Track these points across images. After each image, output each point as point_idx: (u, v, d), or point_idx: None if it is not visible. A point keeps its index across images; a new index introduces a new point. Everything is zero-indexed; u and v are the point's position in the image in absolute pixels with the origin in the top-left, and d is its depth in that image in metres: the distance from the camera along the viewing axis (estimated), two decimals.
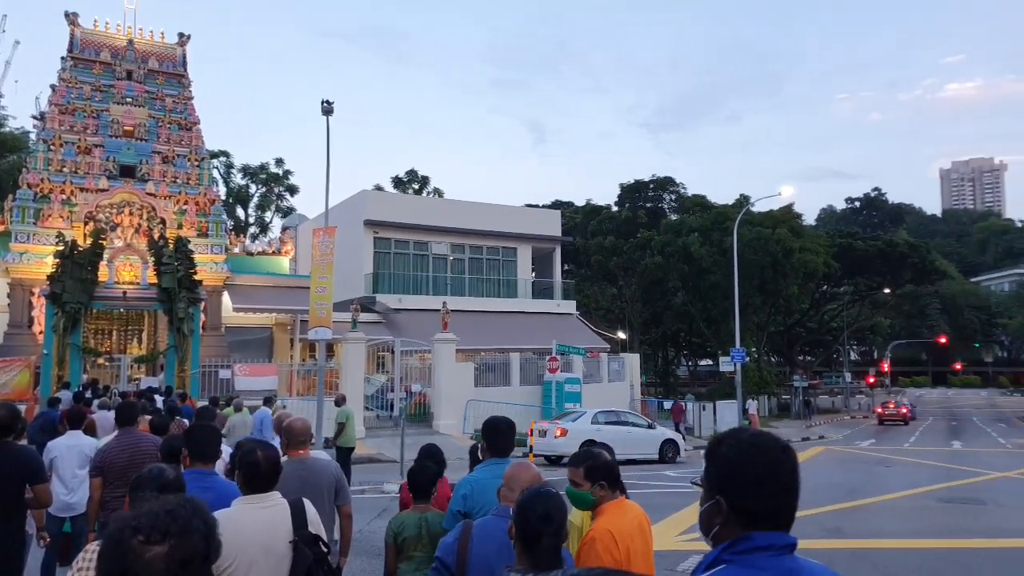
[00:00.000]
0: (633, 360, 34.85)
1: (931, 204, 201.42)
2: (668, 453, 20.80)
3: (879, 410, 48.66)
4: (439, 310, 24.74)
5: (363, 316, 25.65)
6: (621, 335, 47.72)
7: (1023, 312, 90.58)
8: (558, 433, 19.39)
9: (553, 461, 18.88)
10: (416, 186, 51.31)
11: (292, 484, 4.03)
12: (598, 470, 3.26)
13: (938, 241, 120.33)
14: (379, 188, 46.92)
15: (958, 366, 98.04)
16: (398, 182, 51.34)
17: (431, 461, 4.63)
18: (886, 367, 77.23)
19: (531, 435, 19.79)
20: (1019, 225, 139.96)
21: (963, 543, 9.85)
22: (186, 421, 8.95)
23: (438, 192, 51.61)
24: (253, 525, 3.14)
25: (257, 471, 3.26)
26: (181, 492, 3.06)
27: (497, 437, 4.07)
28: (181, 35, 26.82)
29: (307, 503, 3.44)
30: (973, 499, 13.72)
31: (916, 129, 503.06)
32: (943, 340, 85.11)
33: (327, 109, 22.21)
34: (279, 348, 27.76)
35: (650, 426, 21.86)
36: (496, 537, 2.93)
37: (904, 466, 20.34)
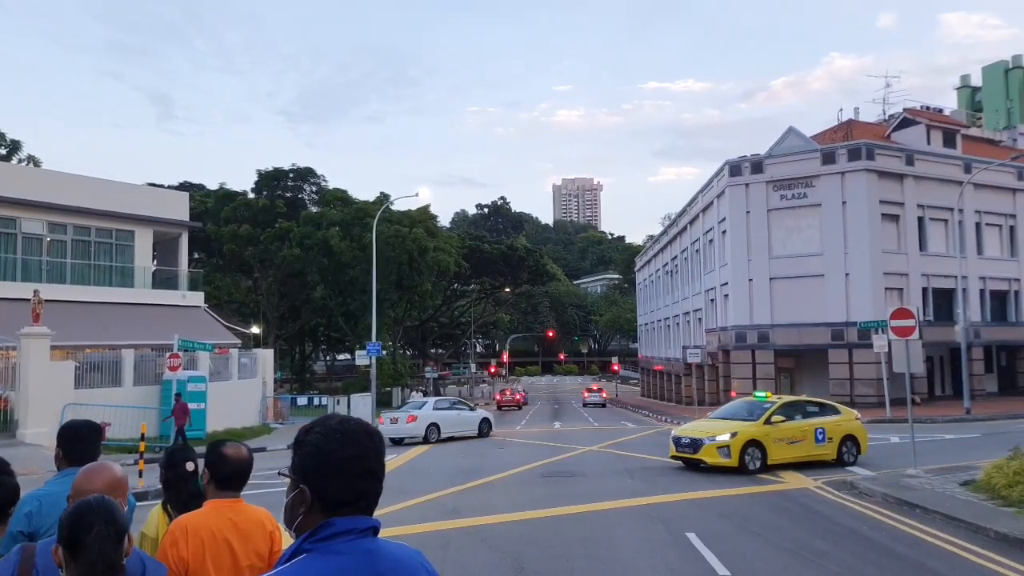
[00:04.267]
0: (267, 356, 34.00)
1: (545, 214, 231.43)
2: (484, 429, 26.89)
3: (498, 397, 54.90)
4: (29, 299, 21.29)
5: None
6: (255, 330, 46.04)
7: (610, 310, 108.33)
8: (408, 419, 24.75)
9: (398, 442, 24.28)
10: (3, 151, 43.02)
11: None
12: (214, 460, 3.15)
13: (550, 247, 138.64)
14: None
15: (562, 356, 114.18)
16: None
17: (4, 475, 3.94)
18: (505, 358, 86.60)
19: (380, 423, 24.91)
20: (610, 237, 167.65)
21: (557, 511, 11.47)
22: None
23: (33, 161, 43.91)
24: None
25: None
26: None
27: (77, 443, 3.60)
28: None
29: None
30: (567, 472, 16.09)
31: (534, 146, 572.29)
32: (551, 334, 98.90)
33: None
34: None
35: (472, 409, 28.31)
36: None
37: (516, 447, 22.98)
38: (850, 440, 16.39)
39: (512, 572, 8.14)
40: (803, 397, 20.81)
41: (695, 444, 15.63)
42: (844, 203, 36.45)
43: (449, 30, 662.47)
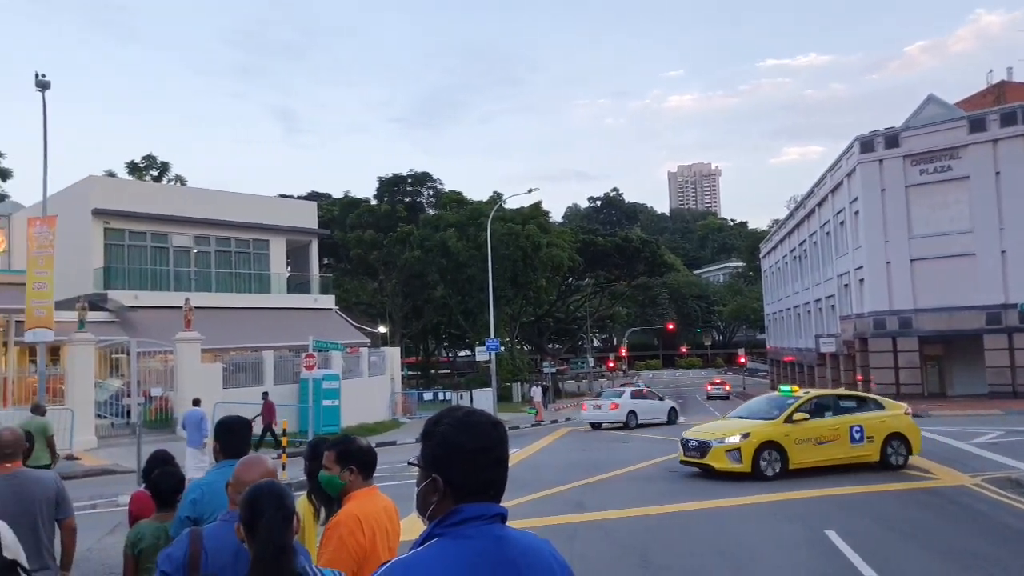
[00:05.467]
0: (394, 354, 35.32)
1: (661, 203, 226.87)
2: (672, 417, 29.42)
3: None
4: (181, 307, 23.19)
5: (92, 315, 23.25)
6: (382, 329, 47.96)
7: (734, 300, 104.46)
8: (611, 407, 27.79)
9: (596, 427, 28.09)
10: (155, 173, 47.01)
11: (4, 501, 3.81)
12: (350, 455, 3.26)
13: (667, 237, 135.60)
14: (111, 174, 42.39)
15: (684, 349, 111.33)
16: (133, 168, 46.66)
17: (171, 467, 4.42)
18: (624, 352, 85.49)
19: (584, 409, 29.07)
20: (731, 224, 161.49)
21: (684, 506, 11.24)
22: None
23: (180, 180, 47.74)
24: None
25: None
26: None
27: (231, 437, 3.98)
28: None
29: (2, 525, 3.21)
30: (693, 468, 15.37)
31: (646, 135, 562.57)
32: (671, 327, 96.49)
33: (42, 83, 19.90)
34: None
35: (661, 399, 30.78)
36: (229, 544, 2.71)
37: (639, 441, 22.67)
38: (897, 439, 14.33)
39: (639, 567, 8.03)
40: (837, 391, 18.59)
41: (703, 447, 13.99)
42: (998, 174, 33.45)
43: (551, 25, 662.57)
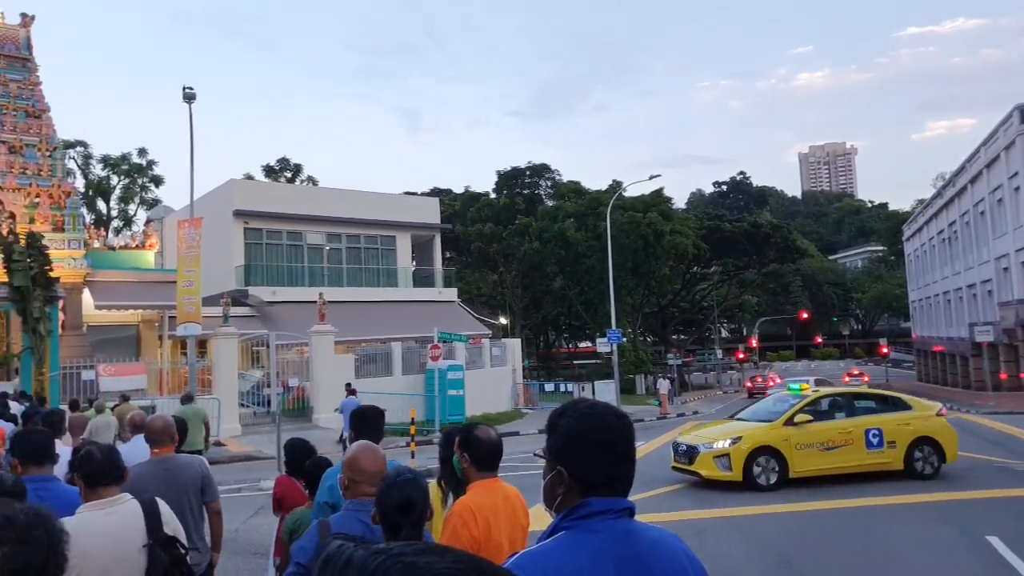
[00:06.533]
0: (515, 345, 35.62)
1: (791, 186, 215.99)
2: None
3: (748, 384, 52.35)
4: (315, 301, 24.40)
5: (235, 310, 24.93)
6: (503, 320, 48.59)
7: (874, 287, 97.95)
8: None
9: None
10: (288, 175, 49.91)
11: (153, 484, 3.97)
12: (468, 443, 3.32)
13: (799, 221, 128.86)
14: (249, 177, 45.32)
15: (819, 339, 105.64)
16: (269, 171, 49.77)
17: (309, 454, 4.61)
18: (754, 343, 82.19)
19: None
20: (869, 205, 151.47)
21: (823, 504, 10.60)
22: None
23: (312, 181, 50.42)
24: (100, 533, 3.02)
25: (89, 471, 3.17)
26: (21, 499, 2.84)
27: (367, 426, 4.08)
28: (24, 15, 24.87)
29: (161, 504, 3.35)
30: None
31: (774, 115, 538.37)
32: (805, 315, 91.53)
33: (189, 95, 21.43)
34: (146, 346, 26.52)
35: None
36: (355, 534, 2.82)
37: None
38: (926, 444, 12.58)
39: (776, 567, 7.57)
40: (855, 388, 16.36)
41: (691, 453, 12.48)
42: None
43: (669, 9, 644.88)
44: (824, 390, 14.84)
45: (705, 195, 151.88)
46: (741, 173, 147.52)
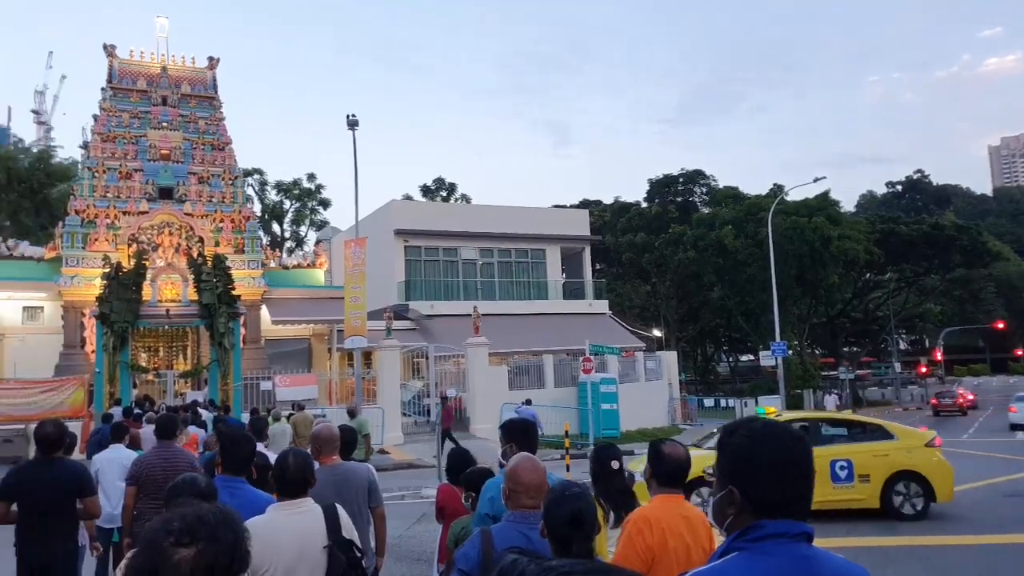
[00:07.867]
0: (670, 358, 34.57)
1: (980, 183, 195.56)
2: None
3: (934, 401, 47.61)
4: (470, 315, 25.03)
5: (397, 324, 26.12)
6: (657, 333, 47.44)
7: None
8: (1012, 409, 30.32)
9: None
10: (444, 193, 52.01)
11: (325, 490, 4.14)
12: (654, 457, 3.36)
13: (990, 221, 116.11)
14: (408, 197, 47.60)
15: (1019, 352, 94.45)
16: (426, 190, 52.09)
17: (468, 464, 4.67)
18: (939, 355, 74.89)
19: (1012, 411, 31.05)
20: None
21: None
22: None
23: (465, 198, 52.22)
24: (287, 531, 3.23)
25: (285, 476, 3.38)
26: (213, 500, 3.08)
27: (522, 437, 4.09)
28: (211, 59, 27.71)
29: (340, 508, 3.54)
30: None
31: (956, 107, 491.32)
32: (1001, 325, 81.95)
33: (352, 123, 22.85)
34: (317, 358, 28.41)
35: None
36: (516, 545, 2.78)
37: (961, 458, 19.39)
38: (911, 480, 10.64)
39: None
40: (824, 414, 14.19)
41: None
42: None
43: (832, 2, 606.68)
44: (787, 414, 13.22)
45: (877, 197, 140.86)
46: (918, 172, 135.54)
